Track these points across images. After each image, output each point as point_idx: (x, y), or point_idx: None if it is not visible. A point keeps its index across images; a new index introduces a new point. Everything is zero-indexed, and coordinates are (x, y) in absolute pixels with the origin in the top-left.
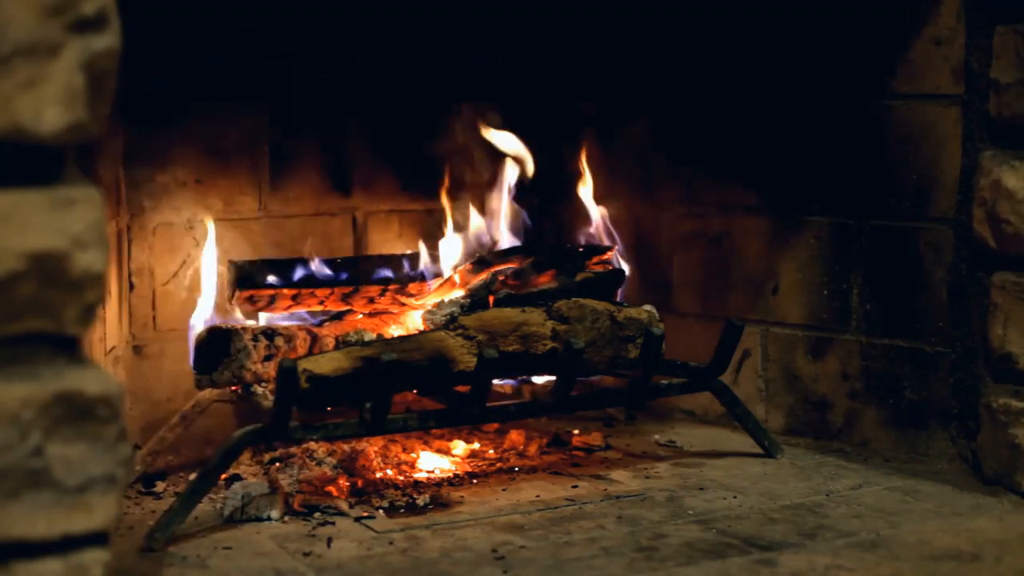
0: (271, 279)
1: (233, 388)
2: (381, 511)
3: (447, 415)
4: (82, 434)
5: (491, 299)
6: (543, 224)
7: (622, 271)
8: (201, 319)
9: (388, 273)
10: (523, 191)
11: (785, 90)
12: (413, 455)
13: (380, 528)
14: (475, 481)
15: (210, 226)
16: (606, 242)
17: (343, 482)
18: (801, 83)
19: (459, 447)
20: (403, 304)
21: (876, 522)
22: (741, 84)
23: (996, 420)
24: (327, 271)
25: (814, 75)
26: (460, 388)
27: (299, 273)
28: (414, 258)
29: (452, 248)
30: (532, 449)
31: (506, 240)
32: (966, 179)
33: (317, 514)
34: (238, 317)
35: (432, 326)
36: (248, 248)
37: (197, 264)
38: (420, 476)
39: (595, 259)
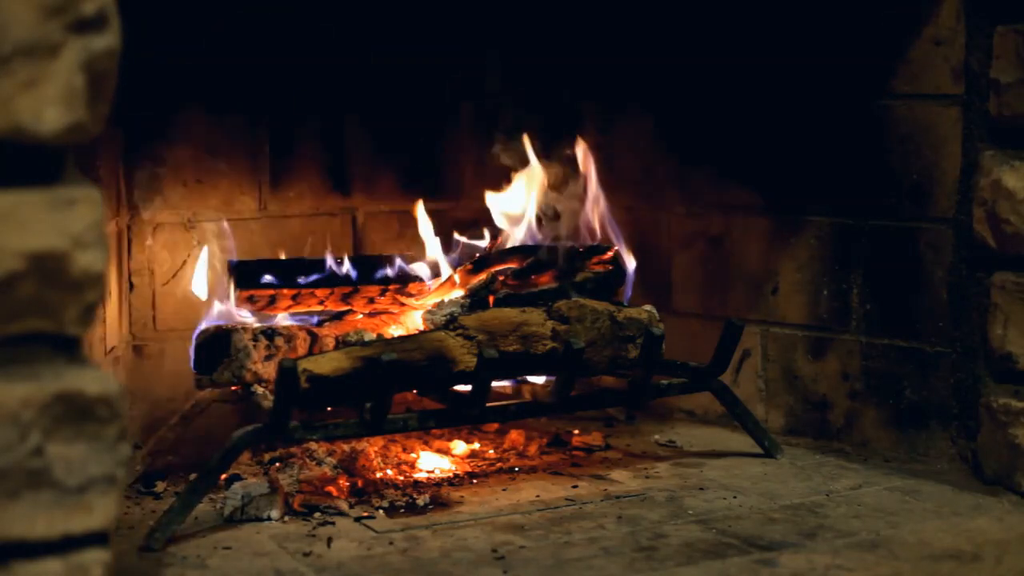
0: (271, 279)
1: (233, 388)
2: (381, 511)
3: (447, 415)
4: (82, 434)
5: (491, 299)
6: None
7: (622, 271)
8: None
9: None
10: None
11: (786, 90)
12: (413, 455)
13: (380, 528)
14: (475, 481)
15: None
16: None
17: (343, 482)
18: (801, 83)
19: (459, 447)
20: (403, 304)
21: (876, 522)
22: (742, 84)
23: (996, 420)
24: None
25: (814, 75)
26: (460, 388)
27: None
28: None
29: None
30: (532, 449)
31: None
32: (966, 179)
33: (317, 514)
34: (240, 317)
35: (432, 326)
36: (248, 248)
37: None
38: (420, 476)
39: (595, 259)
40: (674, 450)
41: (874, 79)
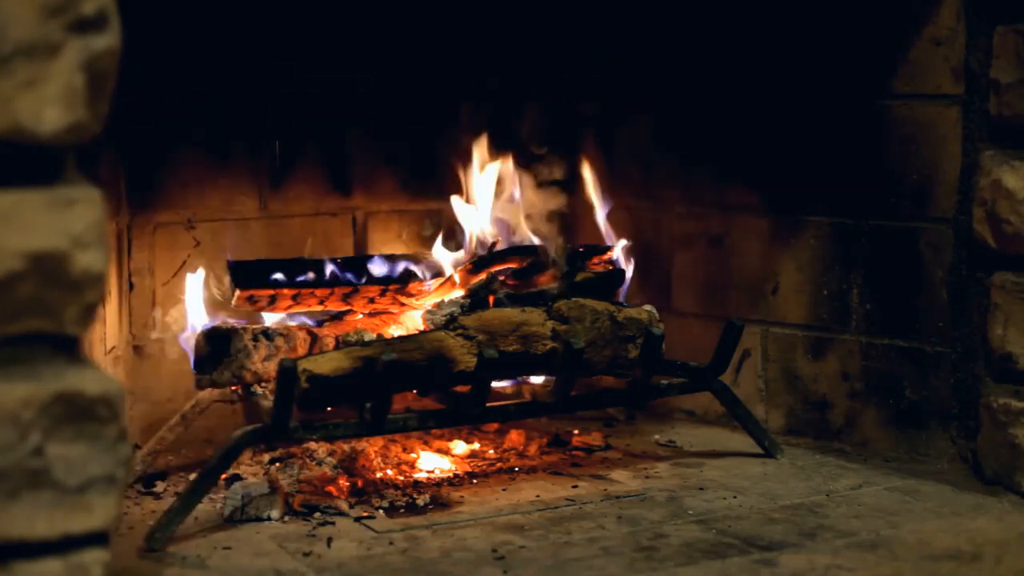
0: (271, 279)
1: (233, 388)
2: (381, 511)
3: (447, 415)
4: (82, 434)
5: (491, 299)
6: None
7: (622, 271)
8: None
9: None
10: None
11: (786, 90)
12: (413, 455)
13: (380, 528)
14: (475, 481)
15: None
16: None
17: (343, 482)
18: (802, 83)
19: (459, 447)
20: (403, 304)
21: (876, 522)
22: (742, 84)
23: (996, 420)
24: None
25: (814, 75)
26: (460, 388)
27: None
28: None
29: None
30: (532, 449)
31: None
32: (966, 179)
33: (317, 514)
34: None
35: (432, 326)
36: (248, 248)
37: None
38: (420, 476)
39: (595, 259)
40: (674, 450)
41: (874, 79)
